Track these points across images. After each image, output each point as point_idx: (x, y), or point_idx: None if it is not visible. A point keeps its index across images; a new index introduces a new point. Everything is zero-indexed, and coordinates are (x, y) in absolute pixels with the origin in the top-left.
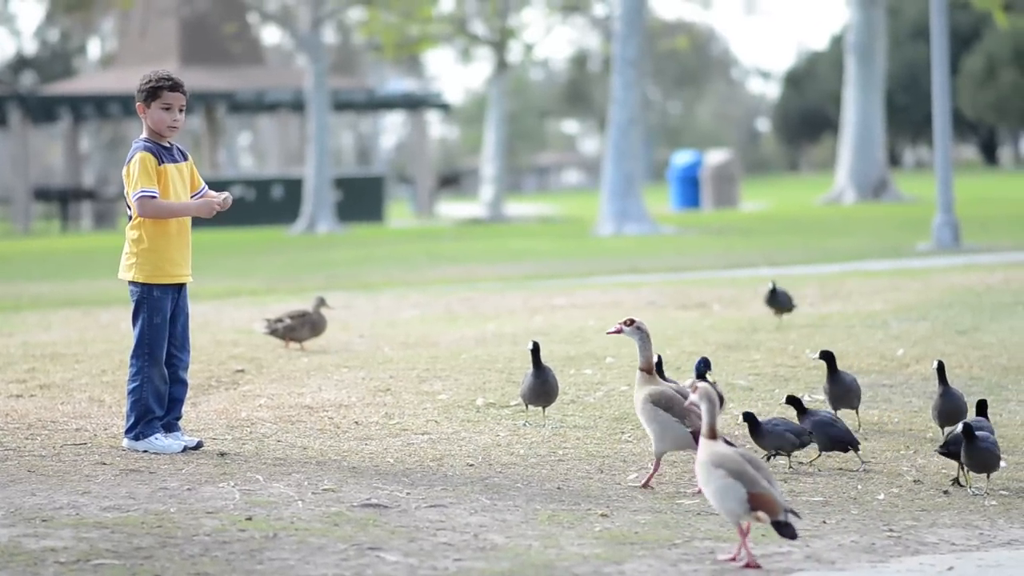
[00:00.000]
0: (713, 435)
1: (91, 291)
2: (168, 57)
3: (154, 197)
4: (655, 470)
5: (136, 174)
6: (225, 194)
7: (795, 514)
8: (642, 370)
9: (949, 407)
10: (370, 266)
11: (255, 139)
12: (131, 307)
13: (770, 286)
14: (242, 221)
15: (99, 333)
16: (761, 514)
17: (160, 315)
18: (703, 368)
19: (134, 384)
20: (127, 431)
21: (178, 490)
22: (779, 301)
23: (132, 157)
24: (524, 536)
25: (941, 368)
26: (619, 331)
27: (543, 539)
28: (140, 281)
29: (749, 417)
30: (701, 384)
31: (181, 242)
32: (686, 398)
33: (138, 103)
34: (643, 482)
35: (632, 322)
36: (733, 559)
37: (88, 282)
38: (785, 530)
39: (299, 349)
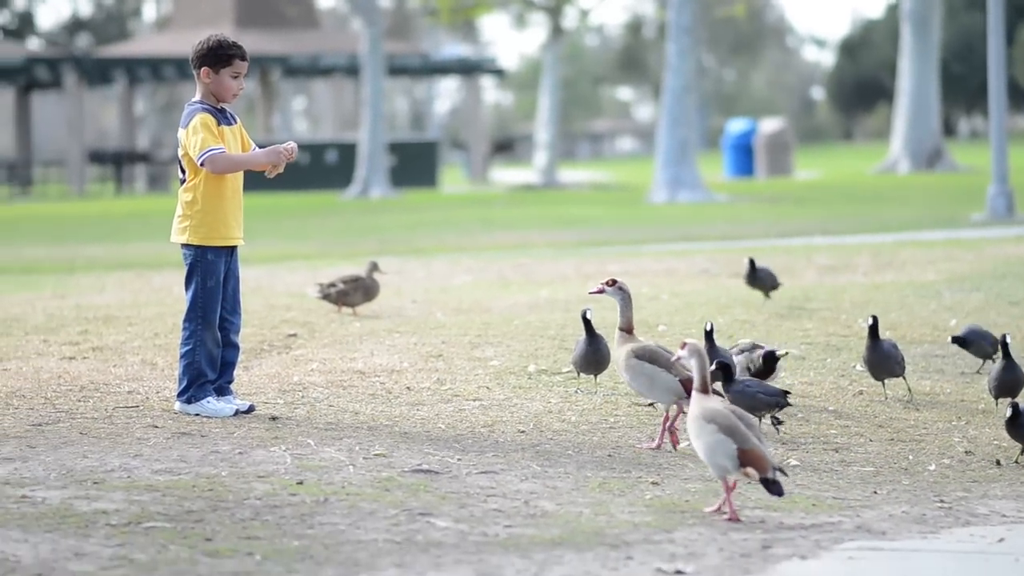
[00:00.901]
0: (705, 390)
1: (145, 254)
2: (223, 20)
3: (220, 150)
4: (668, 421)
5: (200, 135)
6: (291, 143)
7: (783, 472)
8: (622, 330)
9: (1009, 379)
10: (423, 231)
11: (309, 103)
12: (184, 270)
13: (747, 263)
14: (296, 185)
15: (152, 296)
16: (750, 470)
17: (214, 278)
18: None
19: (187, 347)
20: (179, 394)
21: (229, 454)
22: (760, 279)
23: (191, 119)
24: (575, 503)
25: (1005, 343)
26: (601, 291)
27: (594, 506)
28: (194, 243)
29: (723, 368)
30: (689, 341)
31: (234, 204)
32: (670, 354)
33: (204, 67)
34: (656, 443)
35: (614, 282)
36: (717, 510)
37: (142, 245)
38: (773, 487)
39: (351, 314)
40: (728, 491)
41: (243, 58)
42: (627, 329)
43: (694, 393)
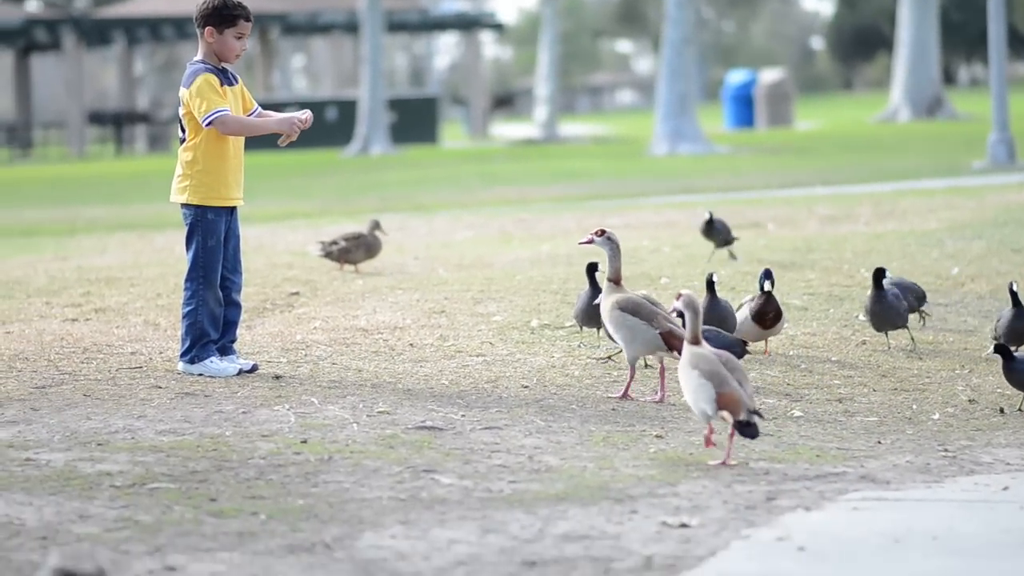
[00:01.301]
0: (696, 341)
1: (146, 215)
2: None
3: (225, 112)
4: (631, 378)
5: (205, 95)
6: (307, 112)
7: (759, 415)
8: (610, 280)
9: (1020, 327)
10: (424, 188)
11: (309, 61)
12: (184, 230)
13: (706, 216)
14: (296, 143)
15: (154, 257)
16: (725, 413)
17: (214, 237)
18: (765, 279)
19: (189, 307)
20: (182, 354)
21: (233, 413)
22: (716, 231)
23: (194, 79)
24: (579, 458)
25: (1013, 291)
26: (590, 241)
27: (598, 460)
28: (194, 203)
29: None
30: (685, 292)
31: (235, 164)
32: (655, 305)
33: (208, 26)
34: (621, 393)
35: (603, 232)
36: (723, 462)
37: (142, 206)
38: (746, 430)
39: (353, 271)
40: (708, 437)
41: (248, 18)
42: (615, 280)
43: (685, 345)
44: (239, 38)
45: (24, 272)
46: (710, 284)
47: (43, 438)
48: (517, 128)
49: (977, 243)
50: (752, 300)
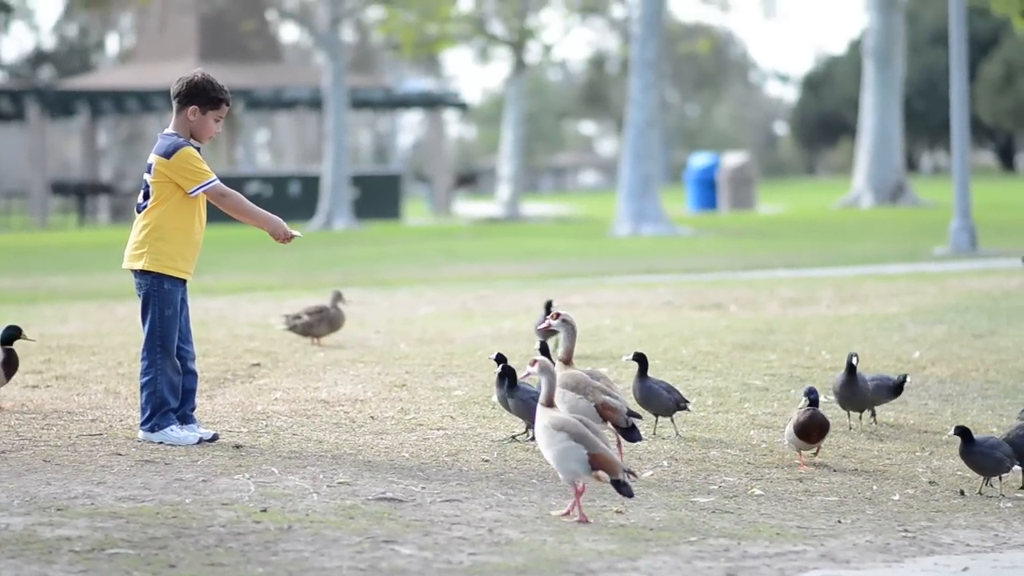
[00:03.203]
0: (550, 404)
1: (107, 284)
2: (186, 53)
3: (215, 182)
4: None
5: (195, 165)
6: (298, 233)
7: (632, 474)
8: (561, 360)
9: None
10: (387, 263)
11: (272, 136)
12: (139, 300)
13: (544, 305)
14: None
15: (115, 326)
16: (601, 474)
17: (171, 307)
18: (815, 396)
19: (148, 377)
20: (143, 423)
21: (193, 481)
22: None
23: (176, 149)
24: (539, 531)
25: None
26: (548, 327)
27: (558, 535)
28: (152, 271)
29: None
30: (540, 358)
31: (197, 240)
32: (597, 379)
33: (193, 105)
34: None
35: (558, 315)
36: (566, 514)
37: (105, 275)
38: (623, 488)
39: (316, 344)
40: (577, 495)
41: (228, 103)
42: (566, 360)
43: (539, 407)
44: (216, 121)
45: None
46: (643, 361)
47: (2, 502)
48: (480, 206)
49: (938, 327)
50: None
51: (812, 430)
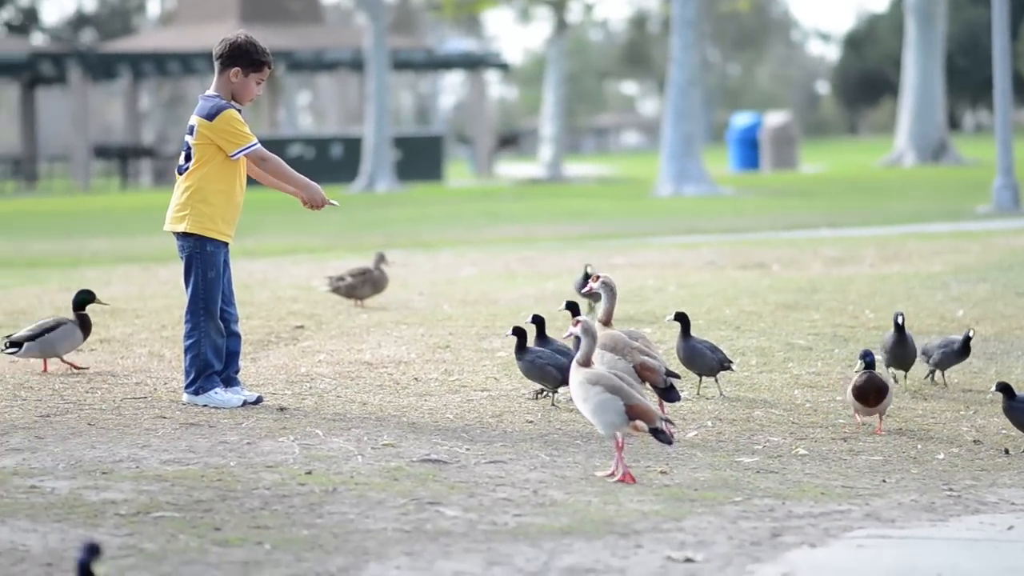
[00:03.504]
0: (587, 364)
1: (150, 247)
2: (228, 15)
3: (257, 145)
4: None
5: (238, 128)
6: (336, 202)
7: (669, 421)
8: (601, 322)
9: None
10: (429, 225)
11: (314, 98)
12: (182, 263)
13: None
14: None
15: (158, 289)
16: (639, 423)
17: (214, 269)
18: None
19: (191, 340)
20: (187, 386)
21: (238, 444)
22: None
23: (219, 112)
24: (583, 492)
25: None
26: (590, 290)
27: (602, 495)
28: (195, 233)
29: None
30: (583, 319)
31: (238, 202)
32: (635, 340)
33: (236, 67)
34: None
35: (598, 278)
36: (611, 475)
37: (147, 238)
38: (661, 436)
39: (359, 306)
40: (619, 451)
41: (270, 66)
42: (606, 322)
43: (574, 366)
44: (258, 83)
45: (29, 303)
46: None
47: (48, 466)
48: (522, 167)
49: (982, 286)
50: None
51: (869, 393)
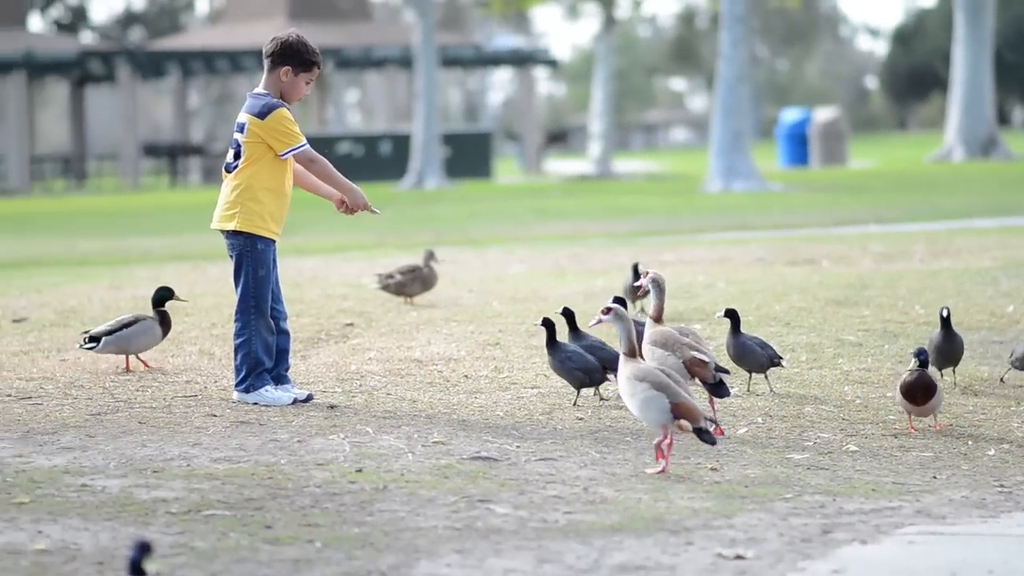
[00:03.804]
0: (632, 354)
1: (199, 245)
2: (276, 13)
3: (306, 146)
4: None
5: (288, 127)
6: (378, 211)
7: (714, 422)
8: (652, 318)
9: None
10: (478, 222)
11: (363, 95)
12: (231, 261)
13: (631, 269)
14: (350, 177)
15: (208, 287)
16: (684, 422)
17: (264, 267)
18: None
19: (242, 338)
20: (237, 384)
21: (288, 442)
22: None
23: (270, 110)
24: (634, 489)
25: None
26: (643, 288)
27: (653, 492)
28: (245, 231)
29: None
30: (615, 306)
31: (285, 201)
32: (686, 335)
33: (287, 66)
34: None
35: (647, 274)
36: (662, 471)
37: (196, 237)
38: (705, 436)
39: (409, 303)
40: (666, 448)
41: (320, 67)
42: (656, 318)
43: (621, 358)
44: (307, 83)
45: (79, 301)
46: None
47: (99, 464)
48: (571, 164)
49: None
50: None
51: (918, 391)
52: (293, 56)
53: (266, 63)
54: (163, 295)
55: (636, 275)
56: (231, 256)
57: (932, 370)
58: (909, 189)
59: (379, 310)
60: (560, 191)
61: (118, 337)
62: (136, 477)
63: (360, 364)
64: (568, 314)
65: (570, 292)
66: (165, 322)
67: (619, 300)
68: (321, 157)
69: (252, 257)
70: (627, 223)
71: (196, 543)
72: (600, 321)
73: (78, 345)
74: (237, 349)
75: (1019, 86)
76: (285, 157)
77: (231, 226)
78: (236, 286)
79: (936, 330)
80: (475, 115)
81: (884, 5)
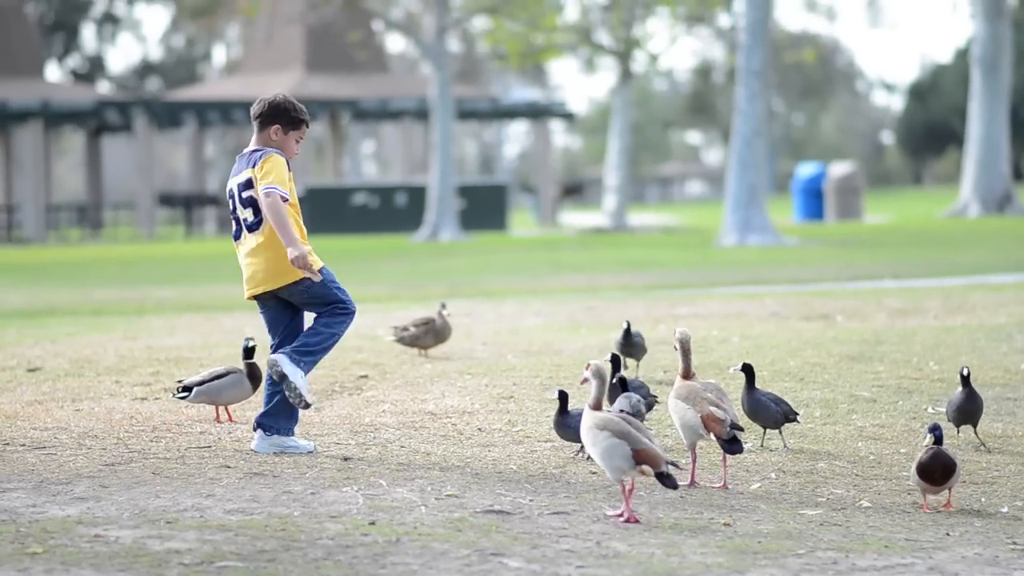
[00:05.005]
0: (598, 407)
1: (215, 296)
2: (293, 64)
3: (286, 199)
4: (693, 462)
5: (275, 170)
6: (319, 276)
7: (675, 466)
8: (681, 376)
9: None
10: (493, 274)
11: (379, 147)
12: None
13: (623, 328)
14: (366, 228)
15: (223, 338)
16: (645, 467)
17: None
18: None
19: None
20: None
21: (302, 494)
22: (636, 345)
23: (264, 156)
24: (647, 544)
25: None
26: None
27: (665, 547)
28: (305, 275)
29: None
30: (595, 362)
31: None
32: (708, 391)
33: (276, 125)
34: (688, 481)
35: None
36: (619, 515)
37: (211, 287)
38: (667, 481)
39: (423, 356)
40: (627, 495)
41: (308, 124)
42: (685, 375)
43: (586, 409)
44: (297, 142)
45: (94, 351)
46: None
47: (112, 515)
48: (586, 217)
49: None
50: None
51: (935, 470)
52: (281, 115)
53: (255, 124)
54: (253, 347)
55: (628, 335)
56: (304, 298)
57: (947, 426)
58: (924, 244)
59: (393, 362)
60: (575, 244)
61: (208, 388)
62: (149, 528)
63: (374, 416)
64: (562, 396)
65: (584, 345)
66: (255, 375)
67: (615, 357)
68: (282, 205)
69: (324, 283)
70: (642, 276)
71: None
72: (586, 380)
73: (171, 395)
74: (315, 332)
75: None
76: (265, 191)
77: (297, 276)
78: (320, 312)
79: (957, 389)
80: (491, 167)
81: (900, 61)
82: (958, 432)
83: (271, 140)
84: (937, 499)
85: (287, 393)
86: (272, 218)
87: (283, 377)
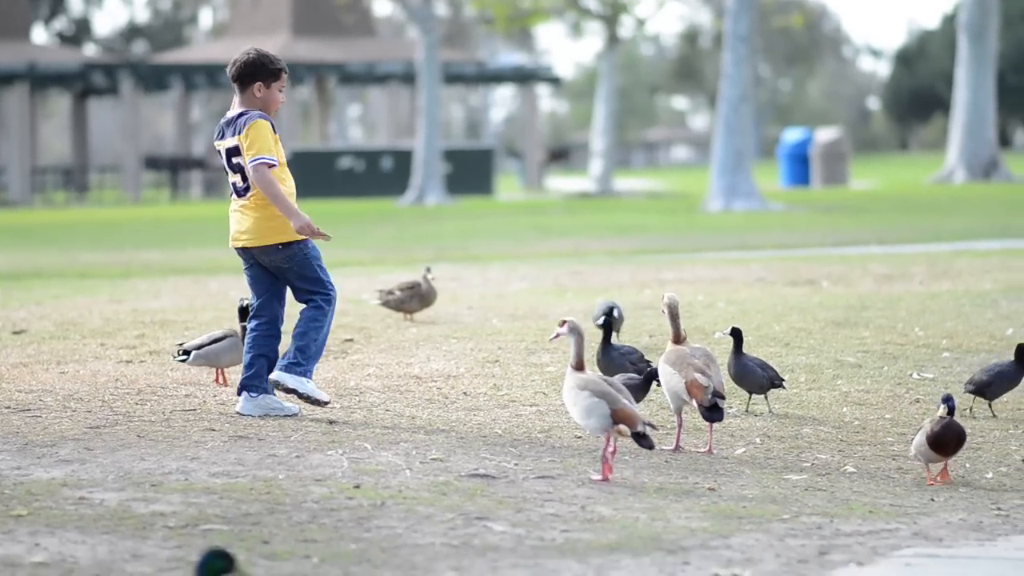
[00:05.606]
0: (579, 367)
1: (200, 259)
2: (279, 28)
3: (273, 166)
4: (679, 427)
5: (259, 140)
6: (328, 236)
7: (652, 426)
8: (672, 341)
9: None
10: (479, 239)
11: (365, 111)
12: (289, 269)
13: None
14: (352, 192)
15: (208, 301)
16: (622, 427)
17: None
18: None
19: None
20: (287, 367)
21: (286, 457)
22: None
23: (249, 123)
24: (631, 508)
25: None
26: (556, 336)
27: (650, 511)
28: (292, 240)
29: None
30: (570, 319)
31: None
32: (696, 356)
33: (257, 82)
34: (673, 446)
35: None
36: (605, 479)
37: (197, 250)
38: (643, 441)
39: (409, 320)
40: (610, 455)
41: (286, 71)
42: (676, 340)
43: (568, 370)
44: (280, 91)
45: (79, 314)
46: (738, 337)
47: (97, 478)
48: (572, 182)
49: None
50: (931, 422)
51: (949, 441)
52: (259, 70)
53: (236, 86)
54: (247, 307)
55: (610, 312)
56: (285, 267)
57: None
58: (910, 210)
59: (378, 326)
60: (561, 208)
61: (207, 352)
62: (134, 491)
63: (359, 380)
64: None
65: (570, 310)
66: None
67: (608, 324)
68: (270, 173)
69: (306, 254)
70: (628, 241)
71: (193, 557)
72: (558, 335)
73: (172, 357)
74: (303, 335)
75: (1021, 108)
76: (253, 164)
77: (282, 239)
78: (299, 288)
79: (1008, 360)
80: (477, 132)
81: (887, 26)
82: (972, 403)
83: (255, 98)
84: (937, 467)
85: (303, 402)
86: (266, 193)
87: (291, 391)
